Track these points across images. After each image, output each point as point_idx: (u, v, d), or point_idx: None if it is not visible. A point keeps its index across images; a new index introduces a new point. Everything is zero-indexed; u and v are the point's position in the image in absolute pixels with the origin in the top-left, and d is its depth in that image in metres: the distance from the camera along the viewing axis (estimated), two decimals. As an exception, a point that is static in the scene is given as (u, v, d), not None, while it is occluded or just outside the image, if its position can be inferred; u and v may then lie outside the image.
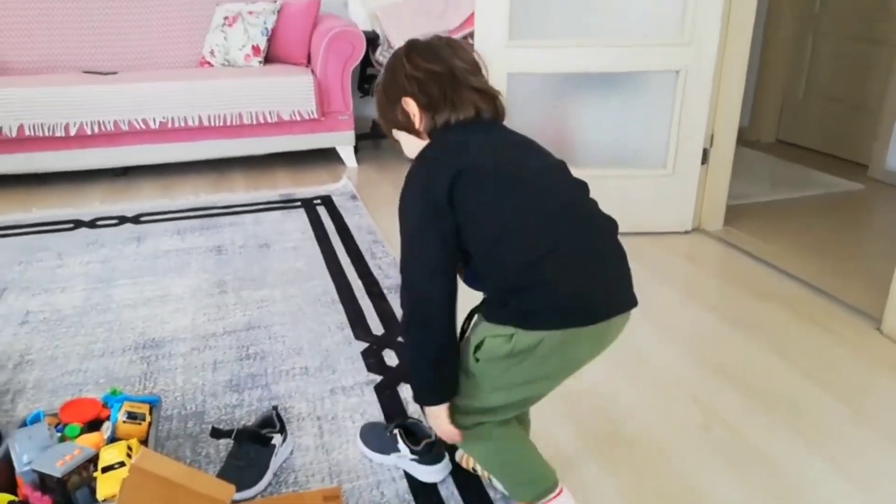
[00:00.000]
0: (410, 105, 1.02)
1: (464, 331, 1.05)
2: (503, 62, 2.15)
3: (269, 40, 3.19)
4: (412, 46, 1.04)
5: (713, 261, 2.23)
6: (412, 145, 1.06)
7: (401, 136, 1.08)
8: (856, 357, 1.65)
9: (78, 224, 2.51)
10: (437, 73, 1.00)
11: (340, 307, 1.87)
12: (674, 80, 2.22)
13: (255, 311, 1.85)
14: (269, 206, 2.69)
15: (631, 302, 0.99)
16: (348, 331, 1.75)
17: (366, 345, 1.68)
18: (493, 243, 0.94)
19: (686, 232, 2.41)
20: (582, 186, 1.03)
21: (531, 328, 0.93)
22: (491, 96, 1.03)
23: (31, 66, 3.14)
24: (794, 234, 2.41)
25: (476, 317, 1.03)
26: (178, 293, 1.96)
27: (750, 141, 3.70)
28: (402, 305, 1.01)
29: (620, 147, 2.34)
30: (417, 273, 0.98)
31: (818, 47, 3.45)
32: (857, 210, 2.73)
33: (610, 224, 1.00)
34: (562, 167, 1.04)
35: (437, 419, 1.04)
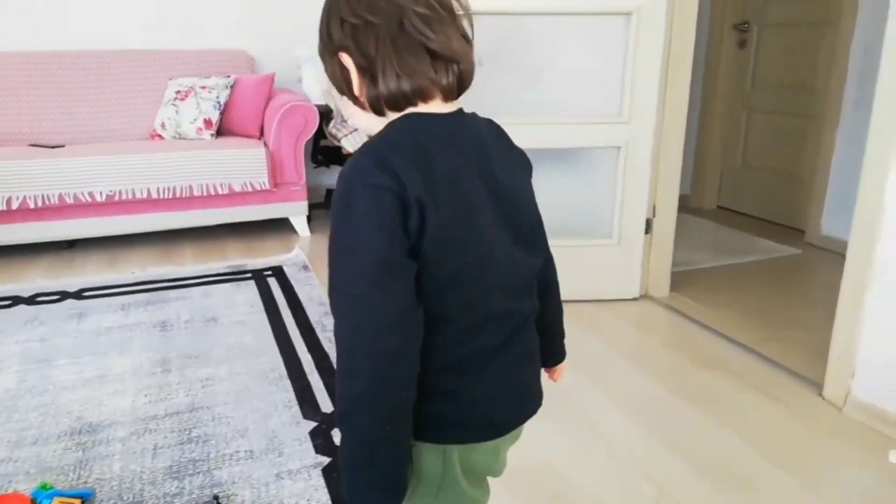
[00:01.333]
0: (348, 62, 0.73)
1: None
2: (452, 137, 2.21)
3: (222, 114, 3.21)
4: None
5: (661, 328, 2.27)
6: (358, 118, 0.78)
7: (343, 102, 0.79)
8: (801, 425, 1.68)
9: (16, 301, 2.42)
10: (375, 22, 0.70)
11: (288, 384, 1.83)
12: (615, 155, 2.31)
13: (200, 391, 1.79)
14: (218, 279, 2.65)
15: (536, 407, 0.83)
16: (296, 409, 1.71)
17: (314, 424, 1.64)
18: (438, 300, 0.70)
19: (634, 299, 2.46)
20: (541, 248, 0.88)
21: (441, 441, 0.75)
22: (453, 63, 0.72)
23: (-25, 139, 3.08)
24: (737, 299, 2.48)
25: None
26: (119, 373, 1.89)
27: (692, 207, 3.84)
28: (346, 364, 0.68)
29: (567, 218, 2.40)
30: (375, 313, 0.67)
31: (752, 121, 3.65)
32: (795, 275, 2.83)
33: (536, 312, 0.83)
34: (526, 193, 0.82)
35: None
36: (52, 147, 3.01)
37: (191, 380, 1.85)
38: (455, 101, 0.77)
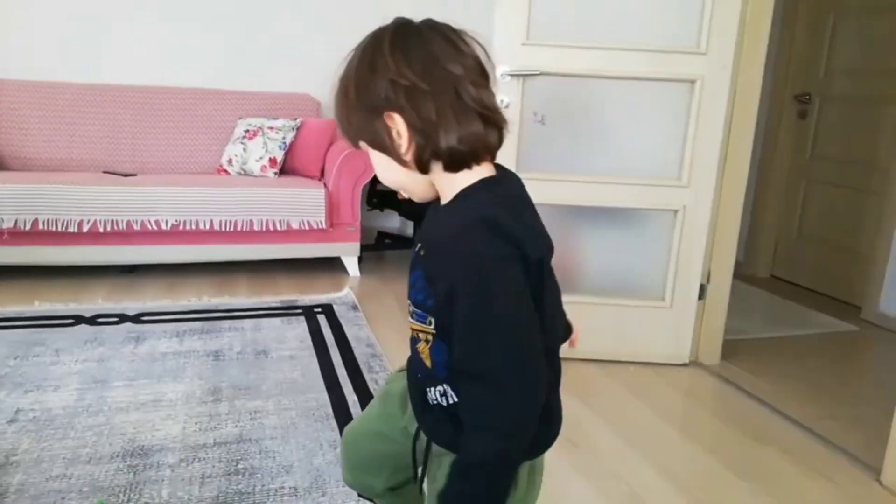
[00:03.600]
0: (398, 123, 0.75)
1: (418, 464, 0.88)
2: (509, 191, 2.24)
3: (287, 154, 3.34)
4: (399, 34, 0.77)
5: (711, 397, 2.22)
6: (393, 174, 0.81)
7: (375, 155, 0.81)
8: (856, 510, 1.62)
9: (78, 320, 2.52)
10: (430, 89, 0.74)
11: (334, 423, 1.85)
12: (672, 218, 2.31)
13: (248, 423, 1.83)
14: (270, 312, 2.71)
15: None
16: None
17: (358, 466, 1.64)
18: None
19: (684, 364, 2.42)
20: None
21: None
22: (499, 123, 0.78)
23: (55, 164, 3.27)
24: (790, 373, 2.42)
25: (434, 446, 0.85)
26: (172, 399, 1.94)
27: (745, 275, 3.77)
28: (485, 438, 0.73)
29: (619, 277, 2.39)
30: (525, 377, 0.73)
31: (810, 192, 3.60)
32: (852, 352, 2.75)
33: None
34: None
35: None
36: (125, 175, 3.16)
37: (240, 411, 1.89)
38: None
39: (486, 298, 0.71)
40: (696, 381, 2.32)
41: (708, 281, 2.40)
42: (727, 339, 2.50)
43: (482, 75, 0.77)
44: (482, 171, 0.79)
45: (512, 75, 2.20)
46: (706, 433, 1.98)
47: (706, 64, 2.20)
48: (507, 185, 0.80)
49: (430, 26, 0.78)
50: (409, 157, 0.77)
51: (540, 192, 2.24)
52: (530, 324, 0.73)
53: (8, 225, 2.76)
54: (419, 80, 0.74)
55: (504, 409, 0.72)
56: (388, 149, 0.78)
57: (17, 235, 2.80)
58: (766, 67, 2.31)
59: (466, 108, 0.75)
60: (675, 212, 2.30)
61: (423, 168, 0.78)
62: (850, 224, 3.34)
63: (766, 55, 2.28)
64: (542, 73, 2.21)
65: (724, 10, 2.16)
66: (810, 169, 3.59)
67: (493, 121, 0.77)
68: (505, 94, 2.21)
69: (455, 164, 0.77)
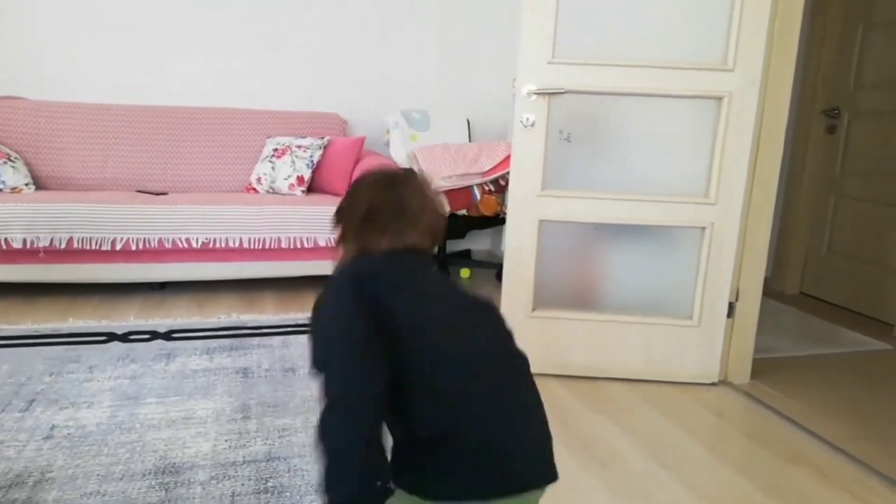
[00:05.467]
0: None
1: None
2: (536, 210, 2.25)
3: (314, 172, 3.38)
4: None
5: (741, 417, 2.19)
6: None
7: None
8: (894, 535, 1.58)
9: (111, 337, 2.56)
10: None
11: (362, 442, 1.86)
12: (699, 235, 2.29)
13: (277, 440, 1.84)
14: (298, 329, 2.74)
15: (551, 475, 0.91)
16: (369, 468, 1.72)
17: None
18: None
19: (712, 384, 2.39)
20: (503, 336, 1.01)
21: (434, 497, 0.85)
22: None
23: (90, 183, 3.34)
24: (822, 392, 2.37)
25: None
26: (202, 416, 1.97)
27: (774, 292, 3.72)
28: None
29: (646, 295, 2.38)
30: None
31: (840, 207, 3.55)
32: (885, 371, 2.69)
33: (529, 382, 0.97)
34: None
35: None
36: (157, 194, 3.22)
37: (269, 428, 1.91)
38: None
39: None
40: (726, 401, 2.29)
41: (737, 299, 2.38)
42: (757, 357, 2.47)
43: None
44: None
45: (538, 94, 2.21)
46: (736, 453, 1.95)
47: (734, 80, 2.19)
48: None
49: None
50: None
51: (566, 209, 2.26)
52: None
53: (44, 243, 2.83)
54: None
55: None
56: None
57: (52, 253, 2.87)
58: (793, 82, 2.29)
59: None
60: (703, 229, 2.28)
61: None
62: (881, 239, 3.28)
63: (794, 70, 2.27)
64: (567, 91, 2.22)
65: (752, 25, 2.16)
66: (840, 184, 3.55)
67: None
68: (531, 113, 2.22)
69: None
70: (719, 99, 2.21)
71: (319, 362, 0.93)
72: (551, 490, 0.93)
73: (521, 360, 0.99)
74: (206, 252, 3.04)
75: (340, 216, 1.13)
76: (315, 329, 0.98)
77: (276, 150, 3.40)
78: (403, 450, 0.93)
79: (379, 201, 1.09)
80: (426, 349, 0.92)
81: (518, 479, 0.87)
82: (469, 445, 0.86)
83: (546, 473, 0.90)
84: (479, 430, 0.87)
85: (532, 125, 2.23)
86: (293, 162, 3.34)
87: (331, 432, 0.88)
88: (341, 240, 1.13)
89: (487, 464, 0.85)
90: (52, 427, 1.86)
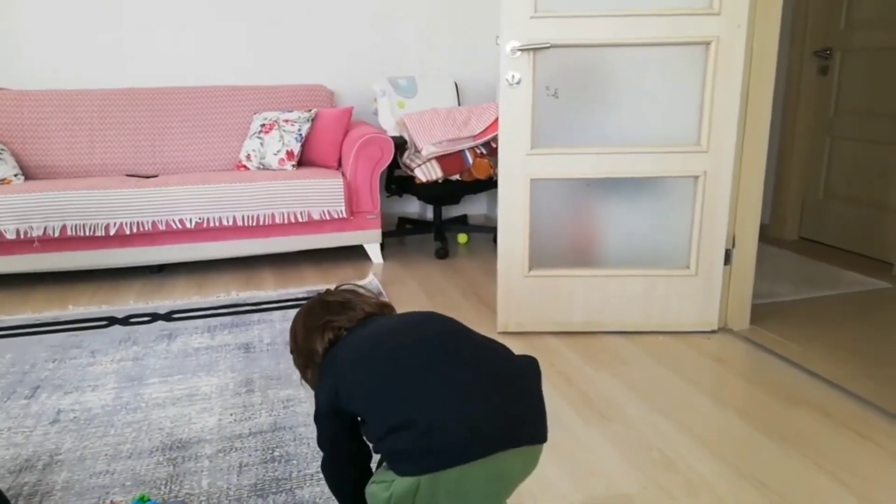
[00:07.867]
0: None
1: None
2: (526, 169, 2.23)
3: (303, 145, 3.36)
4: None
5: (741, 362, 2.21)
6: None
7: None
8: None
9: (112, 321, 2.57)
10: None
11: (366, 408, 1.87)
12: (693, 184, 2.28)
13: (281, 411, 1.86)
14: (297, 303, 2.74)
15: (533, 437, 0.98)
16: (373, 433, 1.74)
17: (391, 448, 1.67)
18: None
19: (712, 332, 2.40)
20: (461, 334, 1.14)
21: (403, 473, 0.95)
22: None
23: (78, 170, 3.32)
24: (822, 334, 2.38)
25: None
26: (206, 392, 1.98)
27: (772, 238, 3.72)
28: None
29: (643, 248, 2.37)
30: None
31: (835, 149, 3.53)
32: (884, 310, 2.69)
33: (511, 362, 1.07)
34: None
35: None
36: (147, 177, 3.20)
37: (273, 400, 1.92)
38: None
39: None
40: (726, 347, 2.30)
41: (733, 246, 2.37)
42: (756, 303, 2.47)
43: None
44: None
45: (522, 50, 2.18)
46: (738, 398, 1.96)
47: (720, 24, 2.15)
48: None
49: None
50: None
51: (557, 166, 2.24)
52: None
53: (38, 233, 2.83)
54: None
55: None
56: None
57: (47, 242, 2.87)
58: (782, 23, 2.25)
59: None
60: (696, 178, 2.27)
61: None
62: (878, 179, 3.26)
63: (782, 11, 2.23)
64: (552, 46, 2.18)
65: (736, -33, 2.11)
66: (834, 125, 3.51)
67: None
68: (516, 70, 2.19)
69: None
70: (706, 44, 2.17)
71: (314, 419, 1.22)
72: (555, 444, 0.94)
73: (490, 345, 1.12)
74: (201, 232, 3.03)
75: (296, 358, 1.33)
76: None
77: (263, 125, 3.37)
78: (379, 450, 1.04)
79: (309, 324, 1.27)
80: (371, 389, 1.08)
81: (485, 442, 0.94)
82: (423, 426, 0.96)
83: (523, 436, 0.98)
84: (430, 412, 0.97)
85: (518, 83, 2.20)
86: (281, 136, 3.31)
87: (326, 477, 1.23)
88: (305, 371, 1.31)
89: (440, 437, 0.94)
90: (59, 411, 1.88)
